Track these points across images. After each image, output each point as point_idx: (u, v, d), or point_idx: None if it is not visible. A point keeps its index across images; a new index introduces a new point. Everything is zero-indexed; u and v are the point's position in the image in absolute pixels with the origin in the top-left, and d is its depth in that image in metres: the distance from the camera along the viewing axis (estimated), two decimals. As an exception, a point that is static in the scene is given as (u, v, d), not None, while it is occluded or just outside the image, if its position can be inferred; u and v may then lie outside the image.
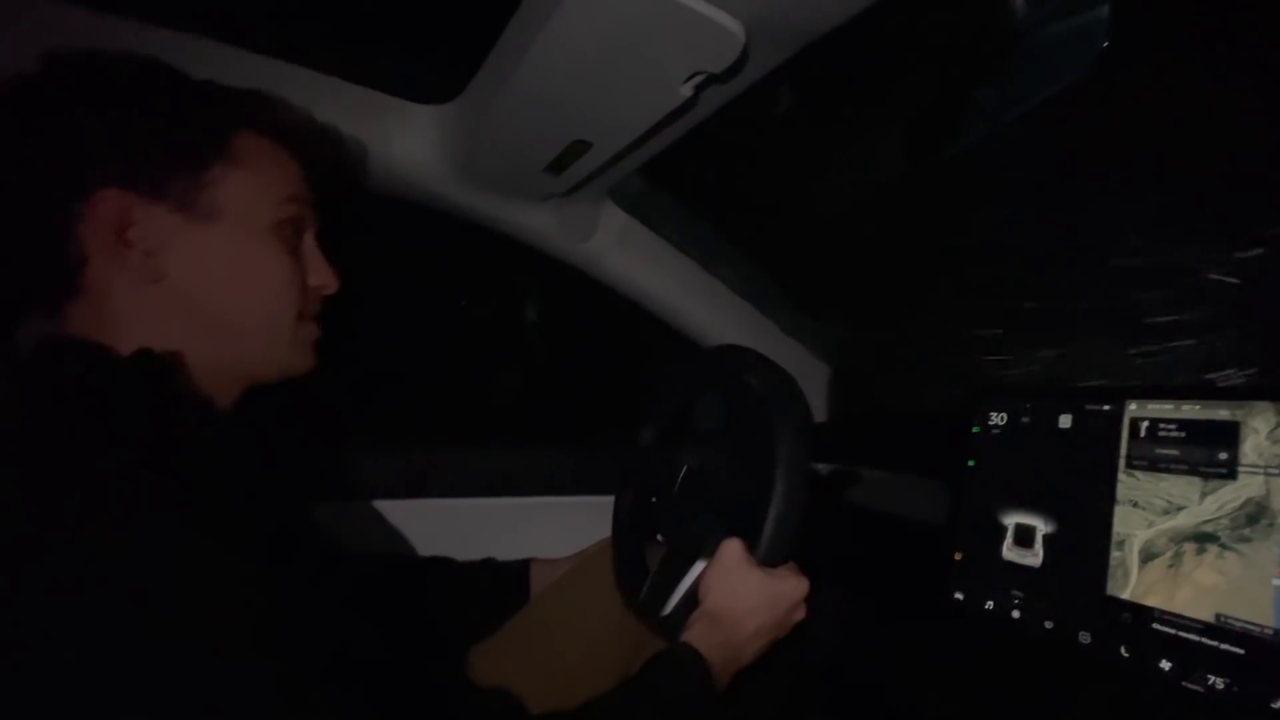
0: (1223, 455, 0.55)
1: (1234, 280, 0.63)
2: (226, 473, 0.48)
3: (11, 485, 0.38)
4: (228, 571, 0.40)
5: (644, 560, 0.79)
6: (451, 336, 1.23)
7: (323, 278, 0.59)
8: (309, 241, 0.59)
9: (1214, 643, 0.53)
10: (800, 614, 0.64)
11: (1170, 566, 0.57)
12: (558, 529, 0.95)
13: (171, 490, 0.40)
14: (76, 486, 0.38)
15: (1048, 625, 0.65)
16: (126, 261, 0.49)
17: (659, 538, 0.81)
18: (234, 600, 0.39)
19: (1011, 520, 0.70)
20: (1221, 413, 0.56)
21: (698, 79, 0.57)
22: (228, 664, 0.37)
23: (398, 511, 0.96)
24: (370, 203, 0.81)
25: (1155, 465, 0.60)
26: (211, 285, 0.52)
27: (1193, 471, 0.57)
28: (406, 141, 0.78)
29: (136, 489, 0.39)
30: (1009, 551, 0.69)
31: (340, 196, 0.64)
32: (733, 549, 0.63)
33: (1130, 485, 0.61)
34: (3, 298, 0.52)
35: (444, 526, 0.96)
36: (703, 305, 1.04)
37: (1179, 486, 0.58)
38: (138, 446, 0.41)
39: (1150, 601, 0.58)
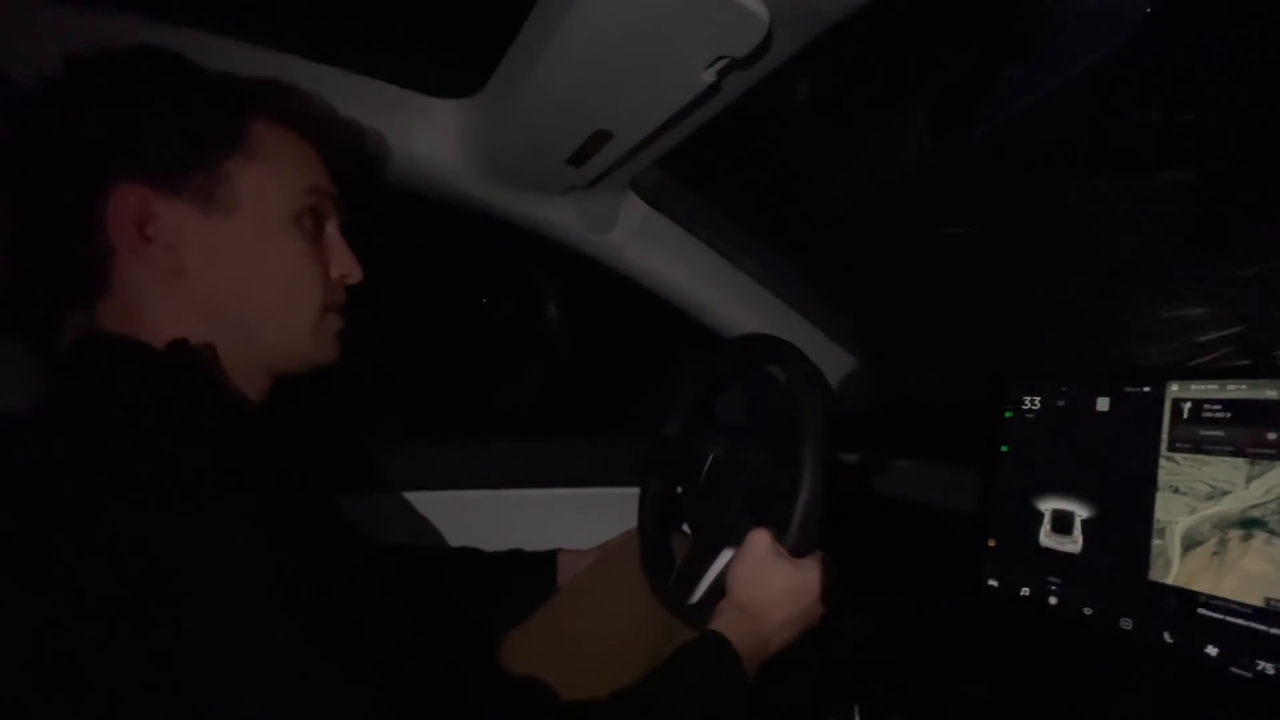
0: (1271, 436, 0.54)
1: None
2: (263, 461, 0.49)
3: (56, 477, 0.39)
4: (269, 558, 0.40)
5: (670, 550, 0.79)
6: (477, 330, 1.24)
7: (346, 268, 0.59)
8: (331, 232, 0.58)
9: (1264, 627, 0.52)
10: (828, 604, 0.64)
11: (1215, 554, 0.56)
12: (584, 520, 0.96)
13: (211, 478, 0.41)
14: (118, 477, 0.39)
15: (1087, 612, 0.63)
16: (148, 257, 0.49)
17: (685, 528, 0.81)
18: (274, 586, 0.40)
19: (1048, 506, 0.68)
20: (1269, 392, 0.55)
21: (721, 64, 0.57)
22: (266, 645, 0.38)
23: (425, 503, 0.97)
24: (394, 198, 0.82)
25: (1199, 448, 0.58)
26: (232, 278, 0.52)
27: (1239, 453, 0.55)
28: (428, 137, 0.79)
29: (177, 478, 0.40)
30: (1047, 538, 0.68)
31: (363, 187, 0.64)
32: (760, 539, 0.63)
33: (1171, 470, 0.59)
34: (39, 294, 0.53)
35: (471, 518, 0.97)
36: (726, 296, 1.03)
37: (1223, 470, 0.56)
38: (176, 436, 0.42)
39: (1195, 587, 0.56)
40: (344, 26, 0.76)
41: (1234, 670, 0.53)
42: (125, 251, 0.49)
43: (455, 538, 0.96)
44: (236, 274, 0.52)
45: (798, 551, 0.62)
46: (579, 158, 0.75)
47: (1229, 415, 0.57)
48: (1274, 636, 0.51)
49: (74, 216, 0.49)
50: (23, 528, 0.37)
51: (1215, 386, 0.58)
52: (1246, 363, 0.57)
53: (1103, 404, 0.66)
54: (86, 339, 0.50)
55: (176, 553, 0.37)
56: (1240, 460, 0.55)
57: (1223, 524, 0.55)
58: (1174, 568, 0.58)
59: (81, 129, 0.49)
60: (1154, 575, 0.59)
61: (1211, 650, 0.54)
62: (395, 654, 0.51)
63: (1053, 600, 0.67)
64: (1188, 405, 0.59)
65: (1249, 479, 0.54)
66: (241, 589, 0.38)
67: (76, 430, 0.41)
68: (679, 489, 0.80)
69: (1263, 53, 0.56)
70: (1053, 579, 0.67)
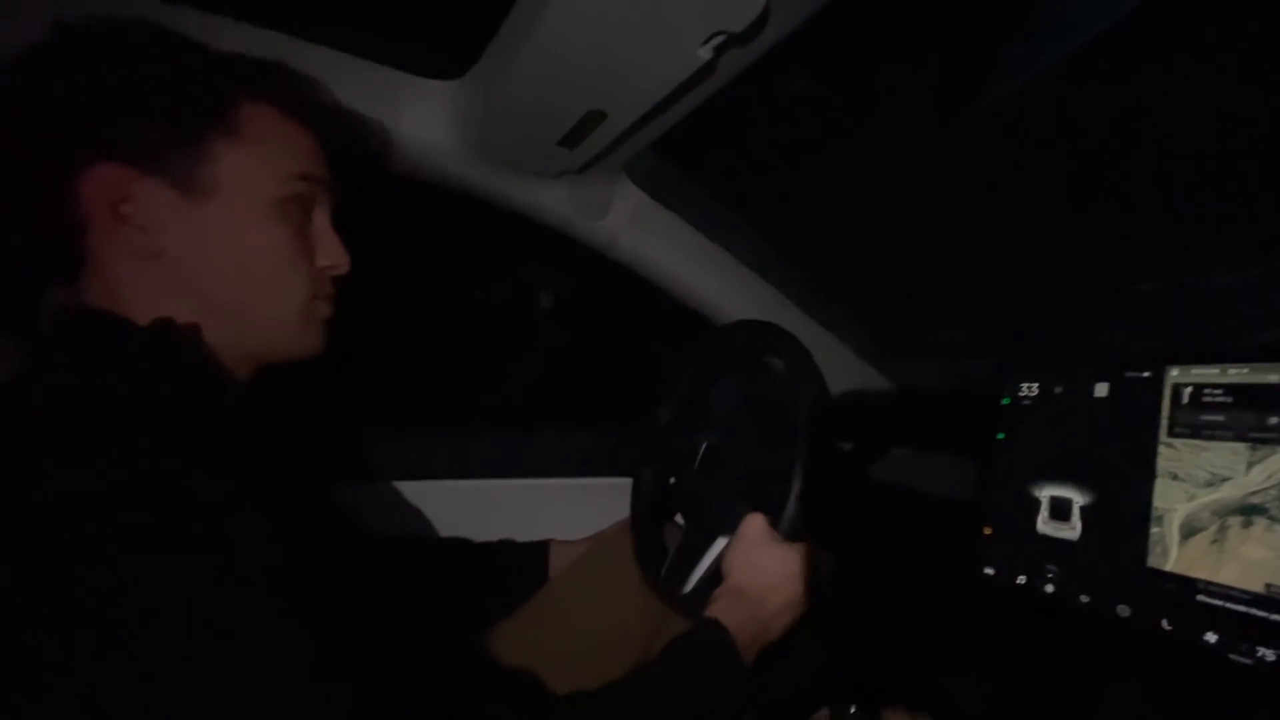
0: (1273, 420, 0.53)
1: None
2: (250, 442, 0.48)
3: (33, 454, 0.38)
4: (257, 538, 0.39)
5: (663, 540, 0.78)
6: (468, 317, 1.22)
7: (333, 259, 0.57)
8: (320, 220, 0.57)
9: (1264, 614, 0.51)
10: (824, 589, 0.63)
11: (1214, 542, 0.55)
12: (576, 511, 0.95)
13: (195, 456, 0.40)
14: (94, 455, 0.38)
15: (1084, 599, 0.63)
16: (123, 237, 0.48)
17: (678, 518, 0.80)
18: (263, 566, 0.39)
19: (1046, 493, 0.68)
20: (1271, 376, 0.54)
21: (717, 40, 0.55)
22: (254, 628, 0.37)
23: (417, 493, 0.95)
24: (384, 182, 0.80)
25: (1199, 433, 0.57)
26: (211, 263, 0.50)
27: (1239, 438, 0.55)
28: (417, 118, 0.77)
29: (156, 456, 0.39)
30: (1044, 525, 0.67)
31: (360, 174, 0.62)
32: (755, 524, 0.62)
33: (1170, 457, 0.59)
34: (11, 268, 0.52)
35: (462, 508, 0.96)
36: (721, 285, 1.02)
37: (1223, 456, 0.56)
38: (159, 413, 0.41)
39: (1194, 574, 0.56)
40: (332, 4, 0.74)
41: (1233, 657, 0.52)
42: (99, 231, 0.48)
43: (446, 528, 0.95)
44: (216, 259, 0.50)
45: (792, 536, 0.61)
46: (572, 139, 0.73)
47: (1230, 400, 0.56)
48: (1274, 623, 0.51)
49: (46, 191, 0.47)
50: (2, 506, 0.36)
51: (1216, 371, 0.57)
52: (1248, 346, 0.56)
53: (1101, 390, 0.65)
54: (66, 314, 0.49)
55: (158, 532, 0.37)
56: (1241, 446, 0.55)
57: (1222, 511, 0.55)
58: (1172, 555, 0.57)
59: (58, 101, 0.47)
60: (1152, 562, 0.58)
61: (1210, 637, 0.54)
62: (384, 639, 0.50)
63: (1049, 588, 0.66)
64: (1188, 390, 0.59)
65: (1249, 465, 0.54)
66: (225, 569, 0.38)
67: (54, 406, 0.40)
68: (672, 478, 0.80)
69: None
70: (1050, 567, 0.66)
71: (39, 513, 0.36)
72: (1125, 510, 0.61)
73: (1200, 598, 0.55)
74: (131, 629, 0.35)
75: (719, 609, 0.59)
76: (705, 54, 0.57)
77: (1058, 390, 0.69)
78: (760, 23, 0.54)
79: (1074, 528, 0.65)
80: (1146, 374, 0.62)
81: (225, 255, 0.51)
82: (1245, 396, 0.55)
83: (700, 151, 0.92)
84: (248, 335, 0.53)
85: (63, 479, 0.37)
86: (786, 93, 0.84)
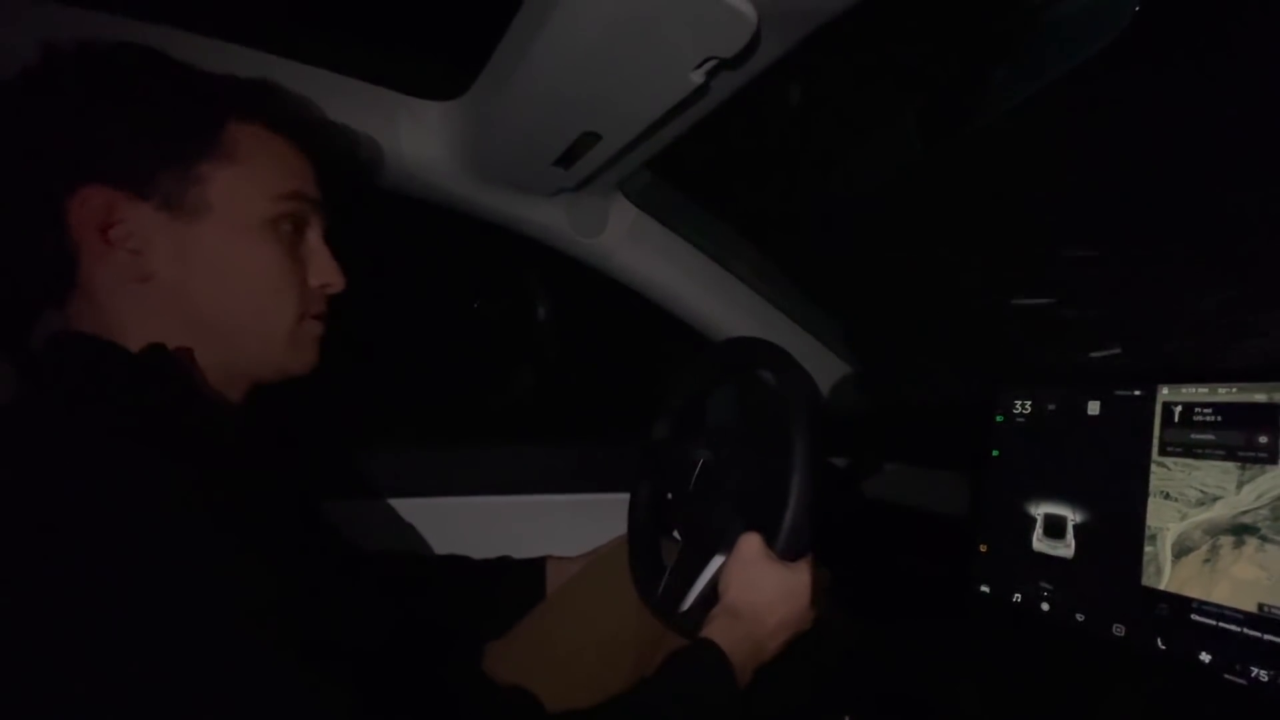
0: (1262, 439, 0.53)
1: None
2: (240, 467, 0.48)
3: (24, 481, 0.38)
4: (242, 563, 0.40)
5: (660, 557, 0.78)
6: (465, 334, 1.23)
7: (327, 277, 0.57)
8: (313, 239, 0.57)
9: (1258, 634, 0.51)
10: (820, 607, 0.63)
11: (1206, 561, 0.55)
12: (573, 527, 0.95)
13: (181, 482, 0.40)
14: (84, 483, 0.38)
15: (1079, 618, 0.63)
16: (112, 260, 0.48)
17: (675, 534, 0.80)
18: (245, 592, 0.39)
19: (1041, 510, 0.68)
20: (1258, 395, 0.54)
21: (709, 65, 0.56)
22: (239, 650, 0.37)
23: (413, 510, 0.95)
24: (380, 199, 0.81)
25: (1190, 451, 0.58)
26: (202, 284, 0.50)
27: (1230, 457, 0.55)
28: (415, 138, 0.78)
29: (143, 484, 0.39)
30: (1039, 542, 0.67)
31: (352, 192, 0.62)
32: (751, 542, 0.62)
33: (1162, 476, 0.59)
34: (6, 291, 0.52)
35: (459, 525, 0.96)
36: (717, 300, 1.02)
37: (1214, 475, 0.56)
38: (149, 441, 0.41)
39: (1187, 594, 0.56)
40: (330, 26, 0.75)
41: (1228, 677, 0.52)
42: (89, 254, 0.48)
43: (443, 545, 0.95)
44: (207, 280, 0.50)
45: (788, 555, 0.61)
46: (567, 159, 0.74)
47: (1220, 419, 0.56)
48: (1268, 643, 0.51)
49: (35, 215, 0.47)
50: None
51: (1206, 390, 0.58)
52: (1237, 365, 0.57)
53: (1094, 407, 0.65)
54: (58, 339, 0.49)
55: (141, 557, 0.37)
56: (1231, 465, 0.55)
57: (1214, 530, 0.55)
58: (1165, 574, 0.57)
59: (47, 124, 0.47)
60: (1146, 581, 0.59)
61: (1205, 657, 0.54)
62: (375, 659, 0.50)
63: (1045, 606, 0.66)
64: (1179, 409, 0.59)
65: (1240, 484, 0.54)
66: (210, 595, 0.38)
67: (41, 433, 0.40)
68: (669, 494, 0.79)
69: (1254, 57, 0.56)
70: (1045, 584, 0.66)
71: (25, 539, 0.36)
72: (1119, 529, 0.61)
73: (1194, 617, 0.55)
74: (114, 653, 0.35)
75: (715, 628, 0.59)
76: (697, 78, 0.57)
77: (1050, 408, 0.69)
78: (751, 48, 0.55)
79: (1068, 545, 0.65)
80: (1138, 392, 0.62)
81: (215, 276, 0.51)
82: (1234, 415, 0.55)
83: (695, 169, 0.93)
84: (239, 355, 0.53)
85: (48, 506, 0.37)
86: (779, 110, 0.85)
